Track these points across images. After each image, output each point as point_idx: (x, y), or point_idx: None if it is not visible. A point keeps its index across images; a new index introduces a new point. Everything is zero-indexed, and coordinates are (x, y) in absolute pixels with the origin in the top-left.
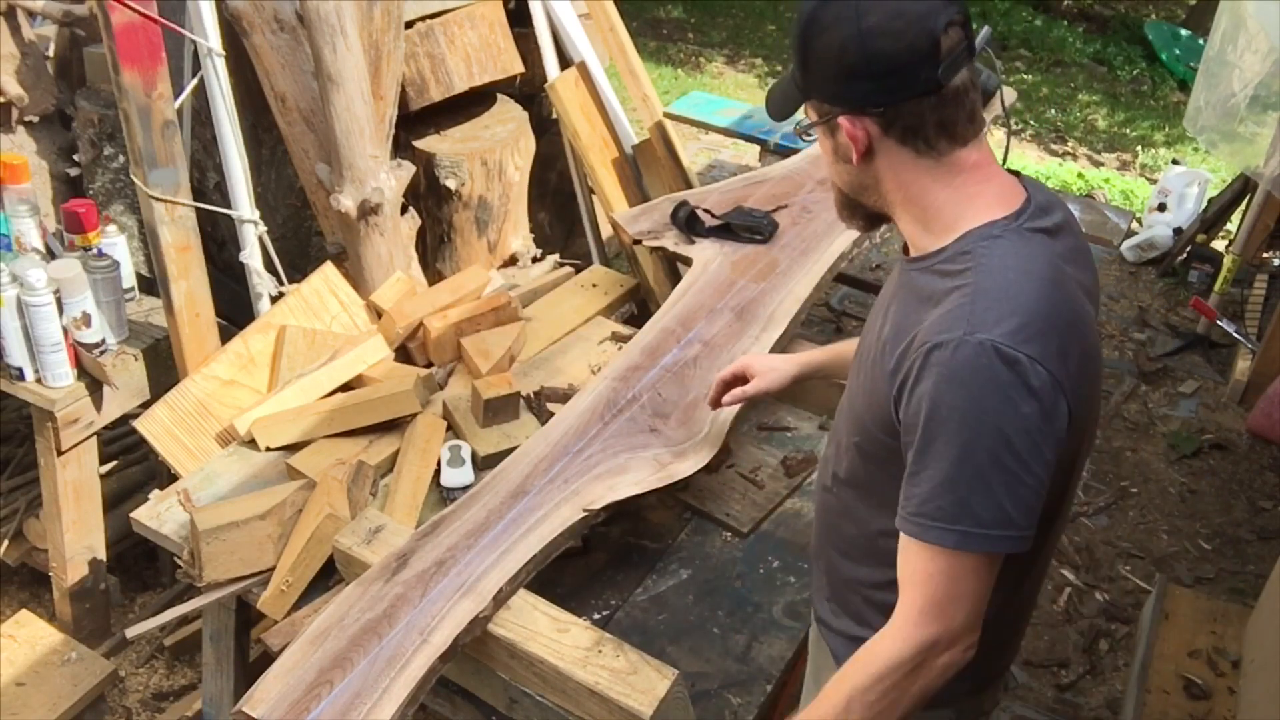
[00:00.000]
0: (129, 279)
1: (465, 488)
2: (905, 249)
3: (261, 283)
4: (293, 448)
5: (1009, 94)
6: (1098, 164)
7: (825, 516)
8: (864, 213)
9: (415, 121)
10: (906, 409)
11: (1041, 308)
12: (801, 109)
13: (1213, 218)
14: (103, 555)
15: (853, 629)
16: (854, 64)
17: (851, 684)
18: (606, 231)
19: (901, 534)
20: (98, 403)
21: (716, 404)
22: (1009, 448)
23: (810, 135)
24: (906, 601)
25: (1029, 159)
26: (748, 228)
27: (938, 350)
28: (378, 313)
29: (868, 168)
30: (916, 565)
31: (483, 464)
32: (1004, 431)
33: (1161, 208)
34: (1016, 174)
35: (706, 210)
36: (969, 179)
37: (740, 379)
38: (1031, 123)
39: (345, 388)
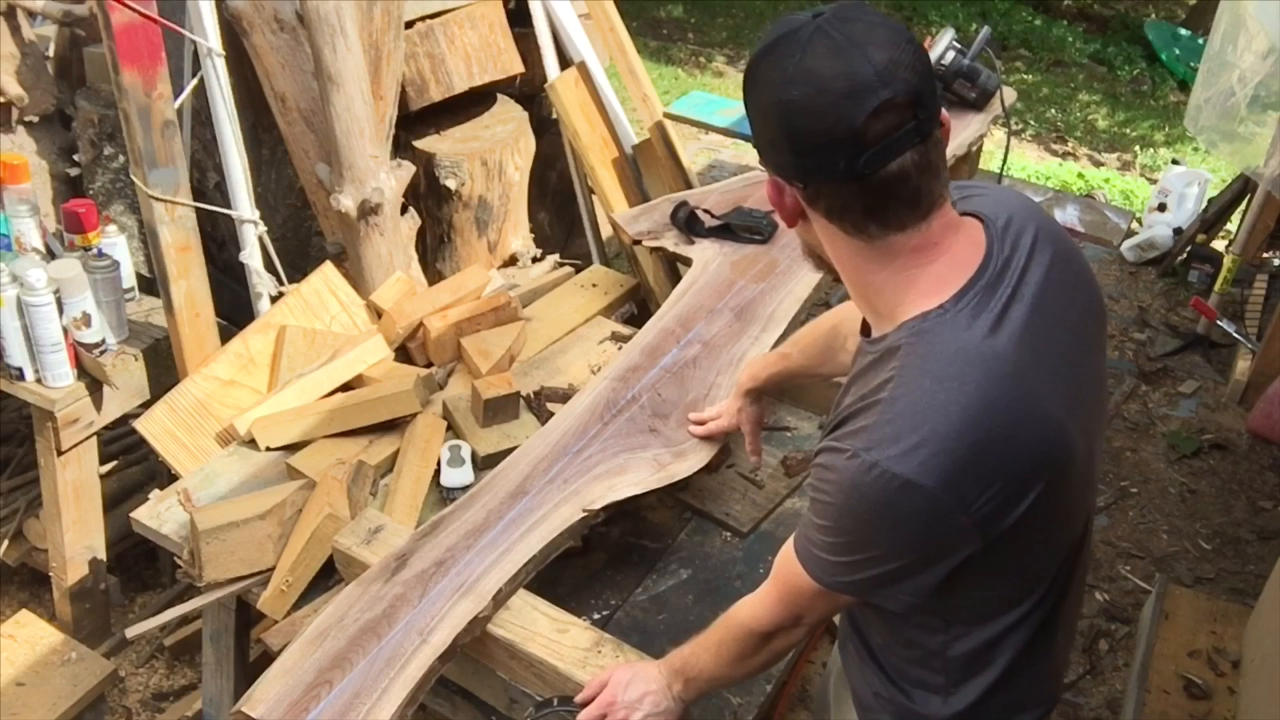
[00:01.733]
0: (129, 279)
1: (465, 488)
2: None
3: (261, 283)
4: (293, 448)
5: (1009, 94)
6: (1098, 164)
7: None
8: (821, 267)
9: (415, 121)
10: (814, 464)
11: (955, 426)
12: None
13: (1213, 218)
14: (103, 555)
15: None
16: (775, 134)
17: (721, 632)
18: (606, 231)
19: (791, 541)
20: (98, 403)
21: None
22: (884, 552)
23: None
24: (774, 588)
25: (1029, 159)
26: (748, 228)
27: (836, 455)
28: (378, 313)
29: (806, 229)
30: (788, 565)
31: (483, 464)
32: (880, 541)
33: (1161, 208)
34: (983, 221)
35: (706, 210)
36: (908, 262)
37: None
38: (1031, 123)
39: (345, 388)
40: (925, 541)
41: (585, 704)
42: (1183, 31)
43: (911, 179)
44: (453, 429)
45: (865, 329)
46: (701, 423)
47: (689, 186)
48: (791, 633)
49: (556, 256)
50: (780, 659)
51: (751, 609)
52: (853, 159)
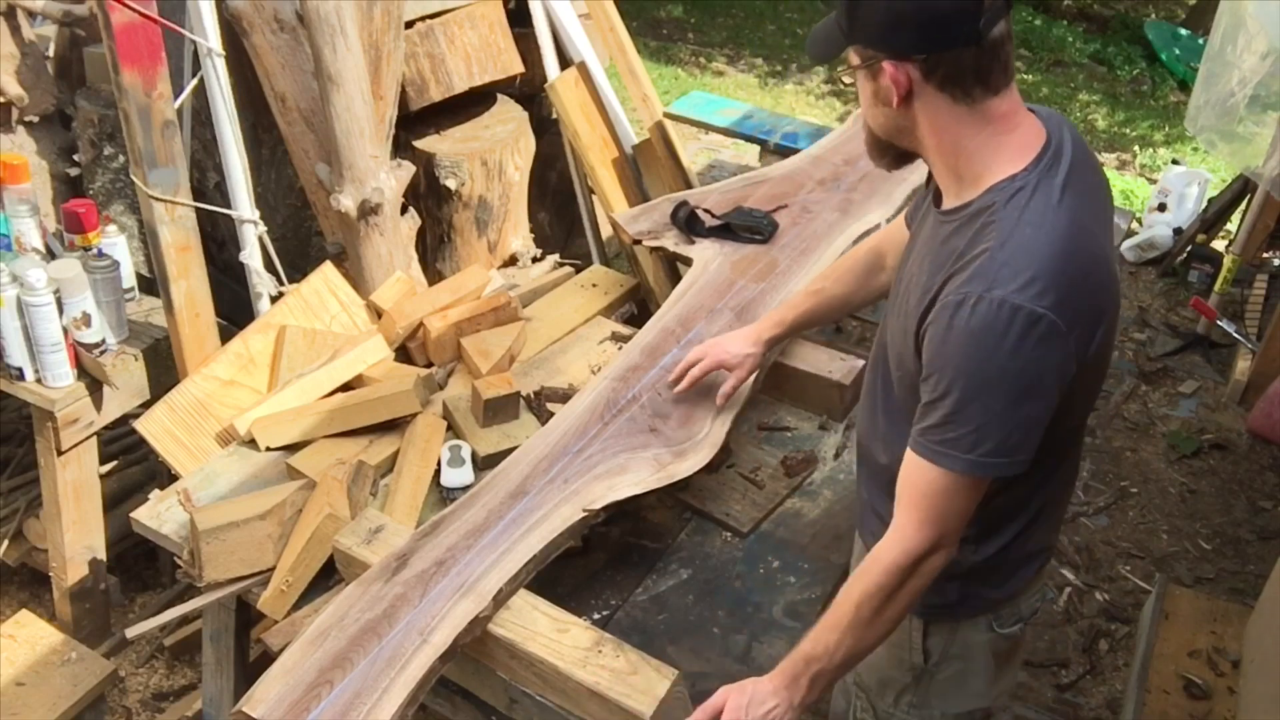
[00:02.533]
0: (129, 279)
1: (465, 488)
2: (936, 198)
3: (261, 283)
4: (293, 448)
5: None
6: None
7: (864, 452)
8: (895, 153)
9: (415, 121)
10: (928, 350)
11: (1055, 263)
12: (843, 53)
13: (1212, 218)
14: (103, 555)
15: None
16: (902, 12)
17: (860, 588)
18: (606, 231)
19: (909, 452)
20: (98, 403)
21: (688, 386)
22: (1017, 391)
23: (849, 79)
24: (907, 512)
25: None
26: (748, 228)
27: (960, 307)
28: (378, 313)
29: (906, 112)
30: (919, 482)
31: (483, 464)
32: (1013, 378)
33: (1161, 208)
34: (1033, 110)
35: (706, 210)
36: (997, 128)
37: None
38: None
39: (345, 388)
40: (1049, 371)
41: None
42: (1183, 32)
43: (1006, 43)
44: (453, 429)
45: (937, 200)
46: (693, 378)
47: (689, 186)
48: (935, 554)
49: (556, 256)
50: (924, 588)
51: (889, 549)
52: (974, 23)
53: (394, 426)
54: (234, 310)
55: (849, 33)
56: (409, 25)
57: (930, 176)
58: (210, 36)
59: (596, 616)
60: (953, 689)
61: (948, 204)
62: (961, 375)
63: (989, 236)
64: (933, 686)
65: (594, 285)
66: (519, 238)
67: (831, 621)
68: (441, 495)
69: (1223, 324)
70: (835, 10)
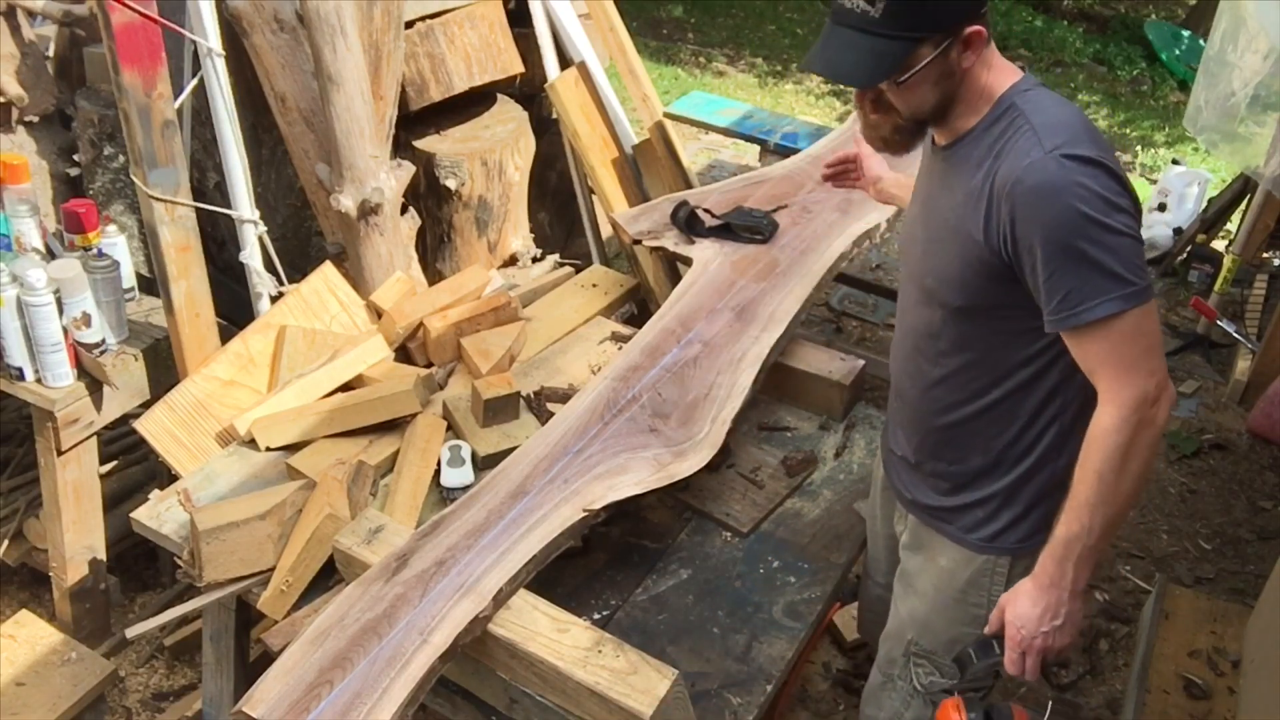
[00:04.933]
0: (129, 279)
1: (465, 488)
2: (933, 140)
3: (261, 283)
4: (293, 448)
5: None
6: None
7: (926, 400)
8: (923, 131)
9: (415, 121)
10: (1016, 243)
11: (1089, 127)
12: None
13: (1213, 218)
14: (103, 555)
15: (963, 478)
16: None
17: (1095, 464)
18: (606, 231)
19: (1068, 335)
20: (98, 403)
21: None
22: (1107, 225)
23: (869, 90)
24: (1104, 377)
25: None
26: (748, 228)
27: (1021, 182)
28: (378, 313)
29: (965, 70)
30: (1095, 347)
31: (483, 464)
32: (1096, 215)
33: (1161, 208)
34: None
35: (706, 210)
36: (994, 57)
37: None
38: None
39: (345, 388)
40: (1121, 195)
41: (993, 646)
42: (1183, 32)
43: None
44: (453, 429)
45: (934, 141)
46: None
47: (689, 186)
48: (1155, 400)
49: (556, 256)
50: (1158, 438)
51: (1106, 414)
52: None
53: (394, 426)
54: (234, 310)
55: (927, 25)
56: (409, 25)
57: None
58: (210, 36)
59: (596, 616)
60: None
61: (957, 133)
62: (1058, 229)
63: (1018, 124)
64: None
65: (594, 285)
66: (519, 238)
67: (1079, 501)
68: (441, 495)
69: (1223, 324)
70: (871, 24)
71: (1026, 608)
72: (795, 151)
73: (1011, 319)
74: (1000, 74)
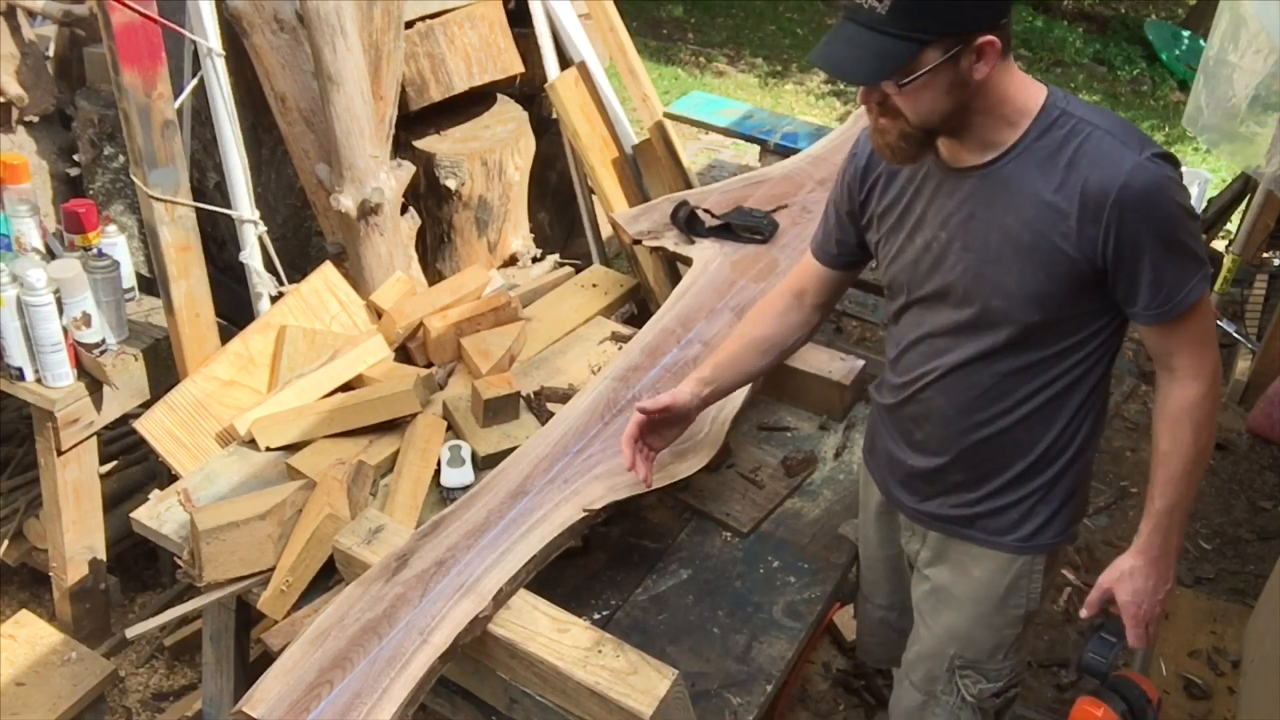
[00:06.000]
0: (129, 279)
1: (465, 488)
2: (944, 166)
3: (261, 283)
4: (293, 448)
5: None
6: None
7: (964, 412)
8: (932, 142)
9: (415, 121)
10: (1119, 246)
11: (1138, 129)
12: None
13: (1213, 218)
14: (103, 555)
15: (998, 483)
16: None
17: (1186, 436)
18: (606, 231)
19: (1159, 325)
20: (98, 403)
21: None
22: (1192, 213)
23: (873, 92)
24: (1187, 355)
25: None
26: (748, 228)
27: (1128, 187)
28: (378, 313)
29: (980, 83)
30: (1185, 331)
31: (483, 464)
32: (1187, 206)
33: None
34: None
35: (706, 210)
36: (1017, 70)
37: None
38: None
39: (345, 388)
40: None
41: (1106, 638)
42: (1183, 32)
43: None
44: (453, 429)
45: (949, 165)
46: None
47: (689, 186)
48: (1218, 376)
49: (556, 256)
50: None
51: (1188, 389)
52: None
53: (394, 426)
54: (234, 310)
55: (936, 27)
56: (409, 25)
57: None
58: (210, 36)
59: (596, 616)
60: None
61: (991, 153)
62: (1167, 227)
63: (1084, 131)
64: (1029, 627)
65: (594, 285)
66: (519, 238)
67: (1173, 474)
68: (441, 495)
69: (1223, 324)
70: (878, 22)
71: (1142, 583)
72: (795, 151)
73: (1079, 326)
74: (1028, 87)
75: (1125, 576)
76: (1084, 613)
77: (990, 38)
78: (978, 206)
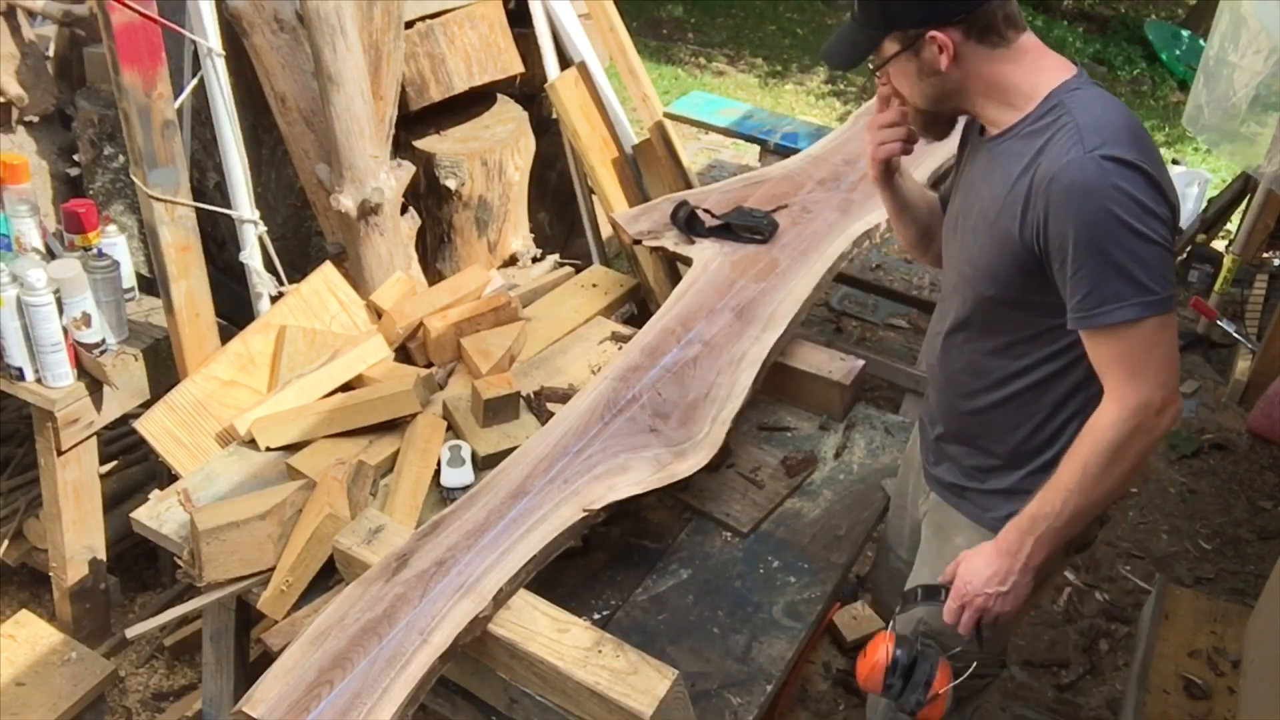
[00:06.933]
0: (129, 279)
1: (465, 488)
2: (981, 130)
3: (261, 283)
4: (293, 448)
5: None
6: None
7: (952, 383)
8: (944, 119)
9: (415, 121)
10: (1049, 238)
11: (1134, 130)
12: (874, 50)
13: (1213, 218)
14: (103, 555)
15: (984, 463)
16: None
17: (1084, 454)
18: (606, 231)
19: (1084, 333)
20: (98, 403)
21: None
22: (1138, 230)
23: (881, 74)
24: (1112, 378)
25: None
26: (748, 228)
27: (1056, 179)
28: (378, 313)
29: (953, 72)
30: (1107, 349)
31: (483, 464)
32: (1129, 219)
33: None
34: None
35: (706, 210)
36: (1034, 57)
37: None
38: None
39: (345, 388)
40: (1159, 204)
41: (939, 593)
42: (1183, 32)
43: None
44: (453, 429)
45: (981, 133)
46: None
47: (689, 186)
48: (1159, 410)
49: (556, 256)
50: (1153, 448)
51: (1109, 410)
52: None
53: (394, 426)
54: (234, 310)
55: (885, 24)
56: (409, 25)
57: (966, 126)
58: (210, 36)
59: (596, 616)
60: None
61: (1003, 127)
62: (1087, 229)
63: (1063, 122)
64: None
65: (594, 285)
66: (519, 238)
67: (1058, 483)
68: (441, 495)
69: (1223, 324)
70: (855, 15)
71: (979, 566)
72: (795, 151)
73: (1038, 313)
74: (1045, 72)
75: (971, 555)
76: (940, 577)
77: (939, 33)
78: (977, 176)
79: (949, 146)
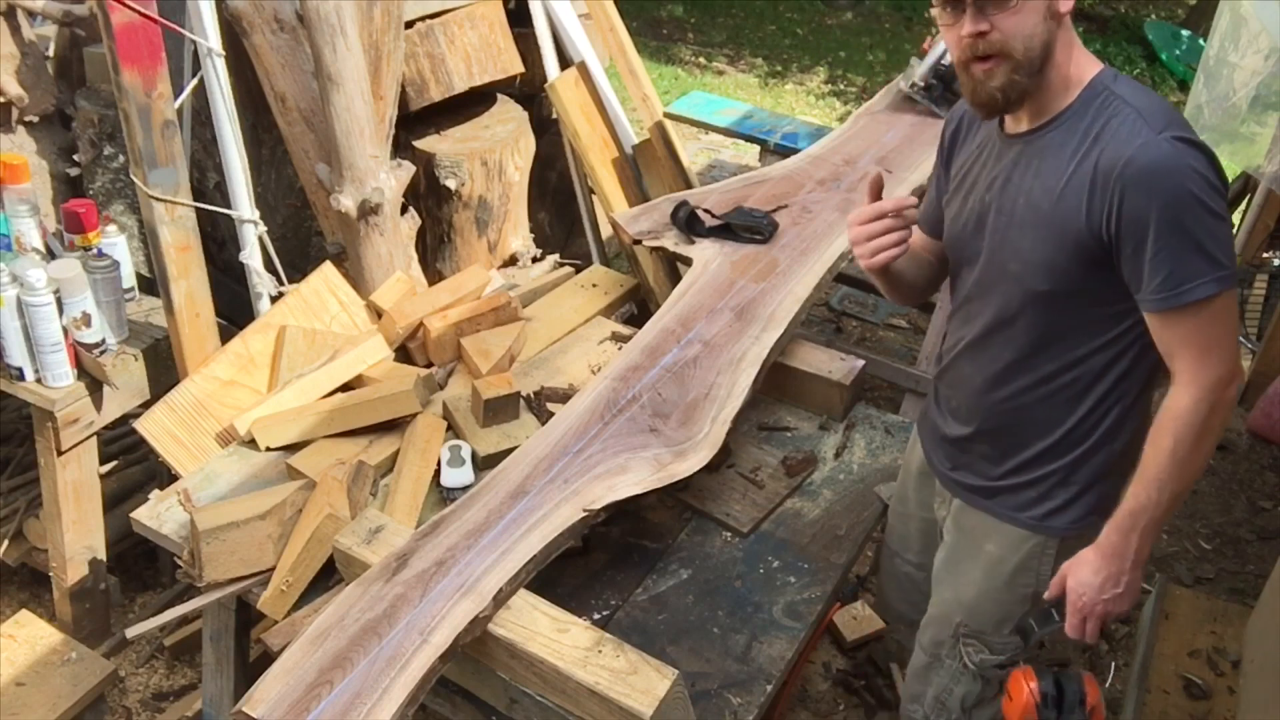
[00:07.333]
0: (129, 279)
1: (465, 488)
2: (1002, 133)
3: (261, 283)
4: (293, 448)
5: None
6: None
7: (990, 383)
8: (1031, 88)
9: (415, 121)
10: (1122, 222)
11: (1182, 119)
12: None
13: None
14: (103, 555)
15: (1020, 459)
16: None
17: (1170, 441)
18: (606, 231)
19: (1157, 315)
20: (98, 403)
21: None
22: (1211, 209)
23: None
24: (1185, 359)
25: None
26: (748, 228)
27: (1133, 162)
28: (378, 313)
29: (1062, 26)
30: (1181, 329)
31: (483, 464)
32: (1204, 197)
33: None
34: None
35: (706, 210)
36: (1075, 40)
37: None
38: None
39: (345, 388)
40: (1223, 184)
41: (1053, 615)
42: (1183, 32)
43: None
44: (453, 429)
45: (1000, 129)
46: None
47: (689, 186)
48: (1229, 383)
49: (556, 256)
50: (1227, 422)
51: (1184, 394)
52: None
53: (394, 426)
54: (234, 310)
55: None
56: (409, 25)
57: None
58: (210, 36)
59: (596, 616)
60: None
61: (1040, 119)
62: (1169, 209)
63: (1117, 108)
64: (1036, 605)
65: (594, 285)
66: (519, 238)
67: (1149, 476)
68: (441, 495)
69: None
70: None
71: (1089, 575)
72: (795, 151)
73: (1091, 303)
74: (1086, 62)
75: (1077, 565)
76: (1046, 594)
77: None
78: (1015, 172)
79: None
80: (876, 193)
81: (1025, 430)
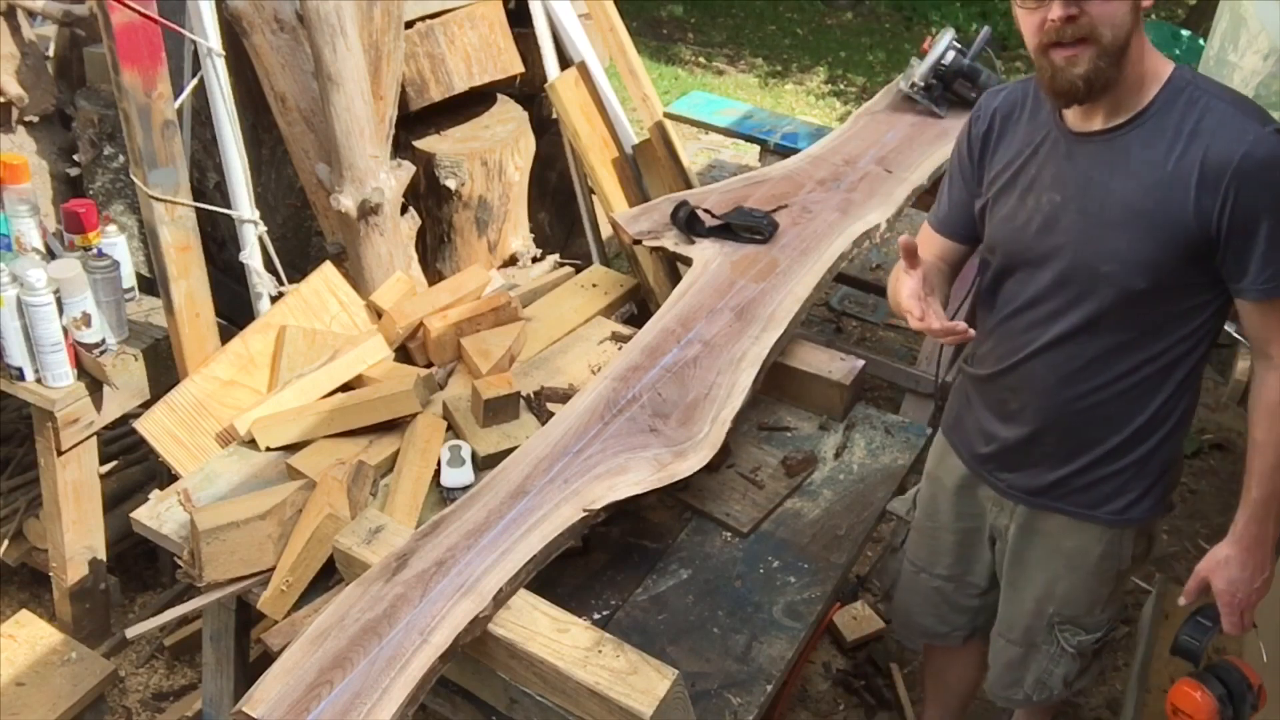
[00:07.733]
0: (129, 279)
1: (465, 488)
2: (1067, 131)
3: (261, 283)
4: (293, 448)
5: None
6: None
7: (1064, 383)
8: (1115, 75)
9: (415, 121)
10: (1235, 215)
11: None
12: None
13: None
14: (103, 555)
15: (1092, 456)
16: None
17: (1278, 430)
18: (606, 231)
19: (1254, 303)
20: (98, 403)
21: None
22: None
23: None
24: None
25: None
26: (748, 228)
27: (1250, 156)
28: (378, 313)
29: (1140, 18)
30: (1278, 317)
31: (483, 464)
32: None
33: None
34: None
35: (706, 210)
36: (1146, 38)
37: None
38: None
39: (345, 388)
40: None
41: (1203, 623)
42: (1183, 31)
43: None
44: (453, 429)
45: (1071, 127)
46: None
47: (689, 186)
48: None
49: (556, 256)
50: None
51: None
52: None
53: (394, 426)
54: (234, 310)
55: None
56: (409, 25)
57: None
58: (210, 36)
59: (596, 616)
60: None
61: (1117, 117)
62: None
63: (1209, 104)
64: (1121, 582)
65: (594, 285)
66: (519, 238)
67: (1267, 464)
68: (441, 495)
69: None
70: None
71: (1237, 572)
72: (795, 151)
73: (1183, 296)
74: (1158, 59)
75: (1221, 565)
76: (1182, 600)
77: None
78: (1097, 171)
79: (944, 150)
80: (911, 256)
81: (1099, 427)
